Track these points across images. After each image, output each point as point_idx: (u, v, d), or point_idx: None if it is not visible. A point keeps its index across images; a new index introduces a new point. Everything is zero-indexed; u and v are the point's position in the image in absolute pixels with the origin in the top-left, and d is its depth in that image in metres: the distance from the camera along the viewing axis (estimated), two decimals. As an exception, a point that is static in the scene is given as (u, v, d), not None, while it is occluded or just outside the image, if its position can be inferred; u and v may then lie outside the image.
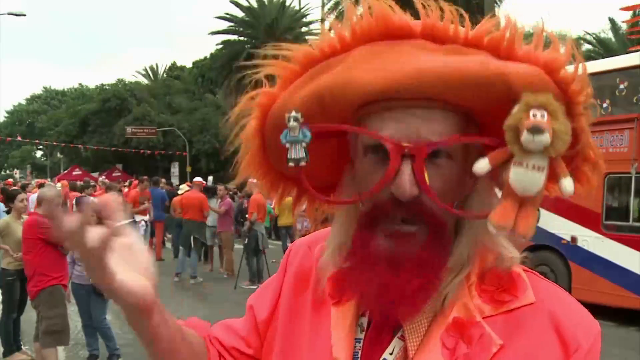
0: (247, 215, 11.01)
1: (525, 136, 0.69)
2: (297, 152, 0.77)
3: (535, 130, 0.68)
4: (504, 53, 0.74)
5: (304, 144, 0.77)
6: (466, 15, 0.78)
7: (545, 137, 0.68)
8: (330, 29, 0.84)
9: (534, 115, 0.69)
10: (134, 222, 12.85)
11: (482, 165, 0.74)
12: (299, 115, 0.77)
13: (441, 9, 0.77)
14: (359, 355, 0.85)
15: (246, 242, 10.99)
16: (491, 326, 0.78)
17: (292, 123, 0.76)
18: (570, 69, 0.74)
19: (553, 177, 0.73)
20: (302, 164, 0.78)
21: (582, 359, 0.76)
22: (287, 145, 0.77)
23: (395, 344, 0.83)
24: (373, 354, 0.84)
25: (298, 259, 1.00)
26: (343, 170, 0.91)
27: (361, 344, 0.85)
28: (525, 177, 0.71)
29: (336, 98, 0.79)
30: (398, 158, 0.74)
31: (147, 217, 13.02)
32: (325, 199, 0.86)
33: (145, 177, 14.86)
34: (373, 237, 0.79)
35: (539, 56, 0.73)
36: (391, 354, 0.82)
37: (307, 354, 0.89)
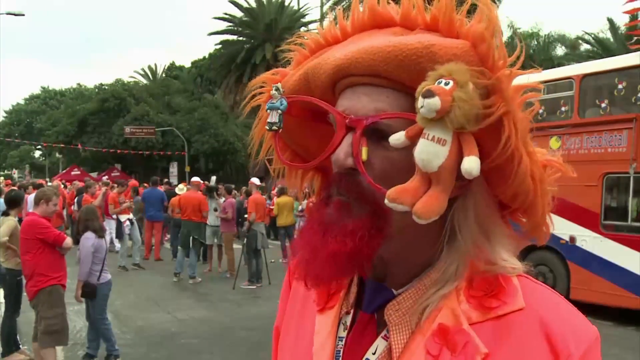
0: (246, 215, 11.01)
1: (418, 100, 0.67)
2: (273, 118, 0.85)
3: (426, 93, 0.66)
4: (445, 32, 0.74)
5: (279, 112, 0.85)
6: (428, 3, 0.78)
7: (434, 101, 0.65)
8: (335, 20, 0.89)
9: (439, 83, 0.66)
10: (119, 221, 13.15)
11: (397, 137, 0.72)
12: (279, 86, 0.85)
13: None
14: (341, 353, 0.84)
15: (245, 241, 10.99)
16: (479, 333, 0.75)
17: (273, 92, 0.85)
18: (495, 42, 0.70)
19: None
20: (274, 128, 0.85)
21: None
22: (268, 111, 0.86)
23: (378, 343, 0.82)
24: (355, 353, 0.83)
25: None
26: None
27: (344, 342, 0.85)
28: (426, 149, 0.67)
29: (314, 77, 0.85)
30: (343, 129, 0.77)
31: (130, 216, 13.46)
32: (289, 163, 0.94)
33: (123, 180, 16.34)
34: (321, 208, 0.81)
35: (469, 30, 0.71)
36: (374, 353, 0.81)
37: (292, 349, 0.92)
